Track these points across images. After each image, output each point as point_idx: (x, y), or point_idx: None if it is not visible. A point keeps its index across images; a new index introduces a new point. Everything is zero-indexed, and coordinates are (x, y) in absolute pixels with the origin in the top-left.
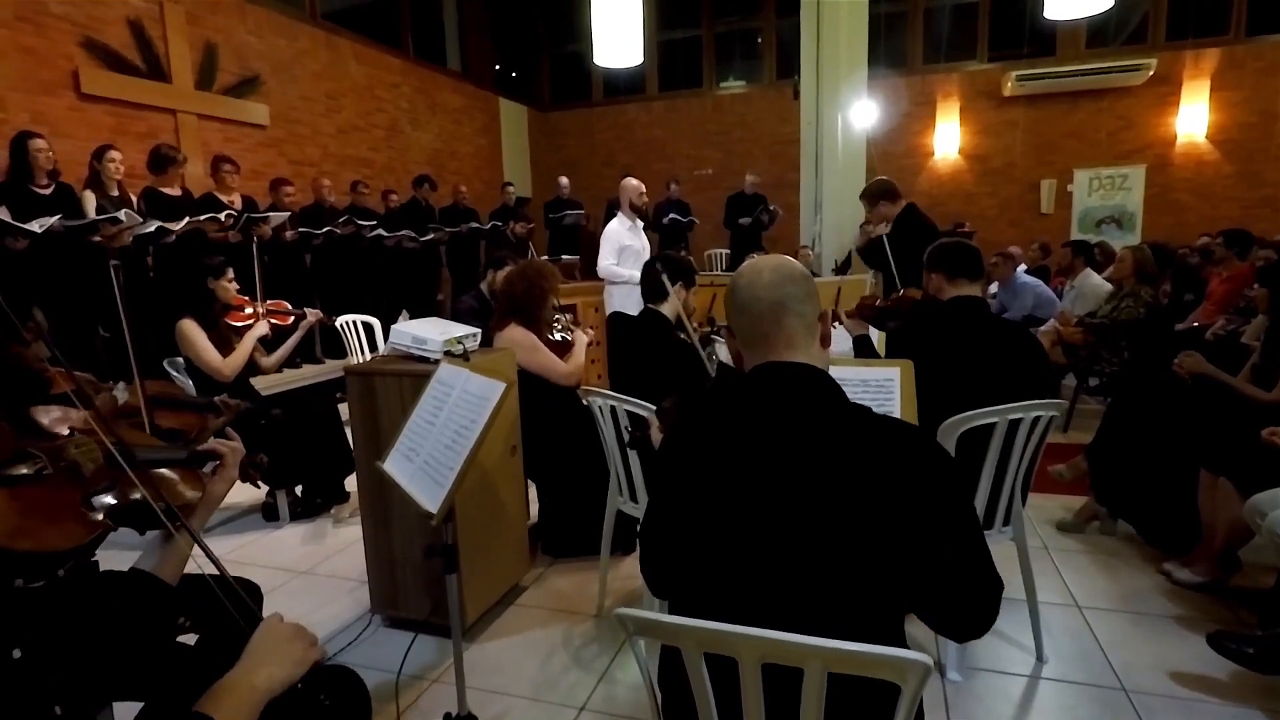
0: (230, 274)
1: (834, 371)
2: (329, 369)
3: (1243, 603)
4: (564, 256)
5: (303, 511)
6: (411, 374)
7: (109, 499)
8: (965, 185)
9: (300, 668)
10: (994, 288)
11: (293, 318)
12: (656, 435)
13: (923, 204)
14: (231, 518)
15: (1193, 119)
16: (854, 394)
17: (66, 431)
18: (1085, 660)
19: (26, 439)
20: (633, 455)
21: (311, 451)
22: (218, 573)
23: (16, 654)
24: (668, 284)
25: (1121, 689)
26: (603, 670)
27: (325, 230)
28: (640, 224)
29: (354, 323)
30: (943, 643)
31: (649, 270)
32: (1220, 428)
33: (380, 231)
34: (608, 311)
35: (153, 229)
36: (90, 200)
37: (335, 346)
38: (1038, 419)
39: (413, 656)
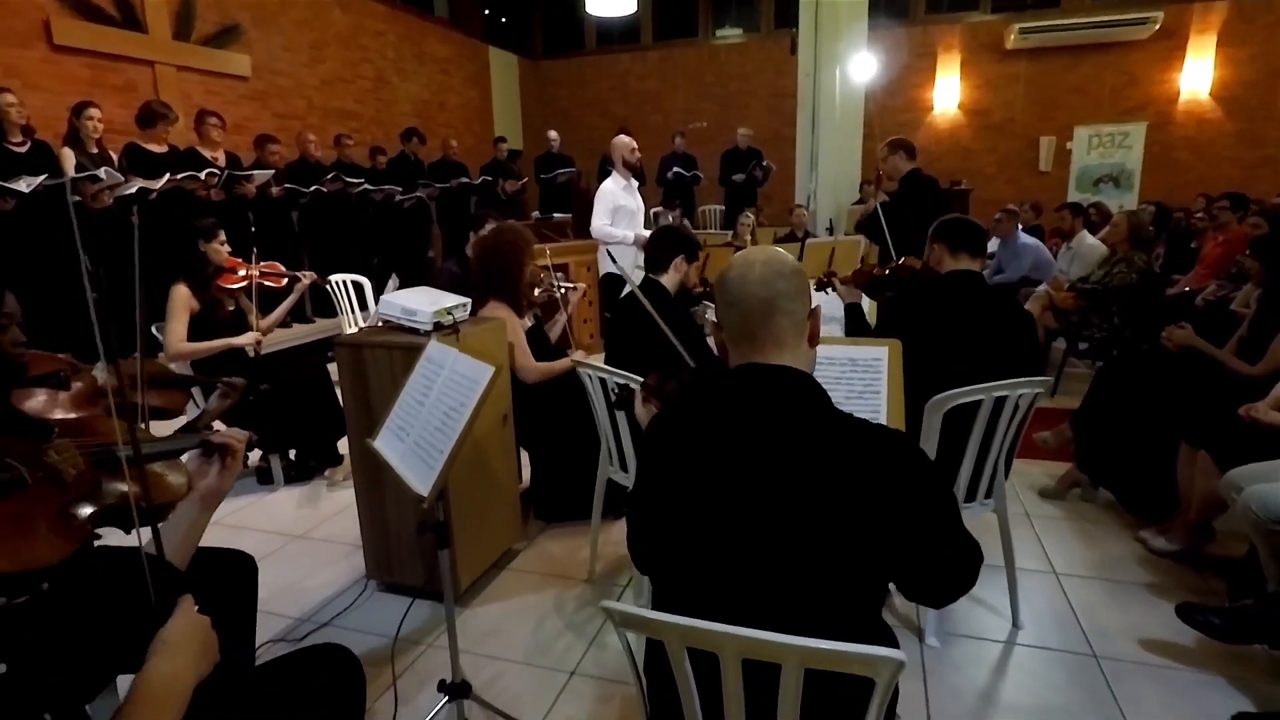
0: (222, 236)
1: (823, 350)
2: (320, 329)
3: (1215, 570)
4: (555, 215)
5: (297, 475)
6: (401, 346)
7: (88, 507)
8: (964, 141)
9: (211, 661)
10: (993, 244)
11: (286, 280)
12: (642, 411)
13: (919, 161)
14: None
15: (1197, 75)
16: (841, 373)
17: (59, 416)
18: (1059, 626)
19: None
20: (622, 424)
21: (303, 415)
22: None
23: (1, 668)
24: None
25: (1092, 655)
26: (593, 635)
27: (313, 189)
28: (635, 182)
29: (344, 283)
30: (922, 610)
31: (652, 240)
32: (1202, 401)
33: (367, 187)
34: (601, 272)
35: (134, 189)
36: (69, 158)
37: (326, 306)
38: (1022, 396)
39: (408, 621)
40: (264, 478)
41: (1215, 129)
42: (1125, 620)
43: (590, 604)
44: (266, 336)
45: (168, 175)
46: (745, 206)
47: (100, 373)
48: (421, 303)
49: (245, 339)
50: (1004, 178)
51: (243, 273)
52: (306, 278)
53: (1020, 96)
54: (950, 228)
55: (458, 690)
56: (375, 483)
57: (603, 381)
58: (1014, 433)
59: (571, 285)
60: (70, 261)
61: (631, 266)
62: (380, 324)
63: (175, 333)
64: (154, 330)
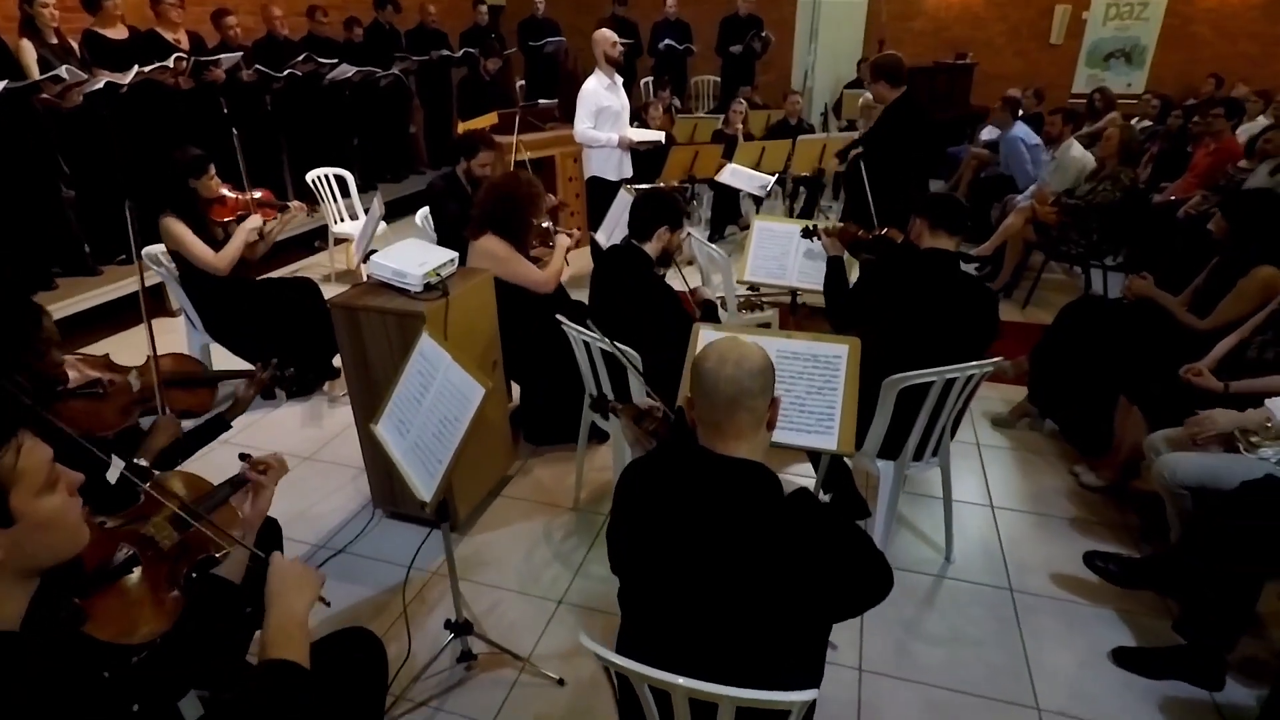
0: (211, 170)
1: (790, 345)
2: (303, 220)
3: (1134, 506)
4: (541, 101)
5: (298, 390)
6: (394, 311)
7: (185, 566)
8: (974, 8)
9: (316, 590)
10: (989, 133)
11: (278, 211)
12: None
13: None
14: (229, 395)
15: None
16: (805, 368)
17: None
18: (986, 561)
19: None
20: (603, 372)
21: (300, 333)
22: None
23: None
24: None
25: (1009, 588)
26: (578, 564)
27: (286, 73)
28: (619, 79)
29: (326, 177)
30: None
31: (636, 208)
32: (1148, 357)
33: (344, 67)
34: (585, 175)
35: (102, 84)
36: (29, 51)
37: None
38: (971, 377)
39: (413, 549)
40: (266, 393)
41: (1240, 0)
42: (1045, 555)
43: (576, 533)
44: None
45: (135, 67)
46: (740, 83)
47: (134, 379)
48: (410, 263)
49: (253, 220)
50: (1012, 49)
51: (235, 197)
52: (296, 207)
53: None
54: (932, 203)
55: (462, 628)
56: (368, 408)
57: (586, 346)
58: (961, 405)
59: (567, 232)
60: (46, 164)
61: (615, 170)
62: (367, 278)
63: (203, 251)
64: (144, 256)
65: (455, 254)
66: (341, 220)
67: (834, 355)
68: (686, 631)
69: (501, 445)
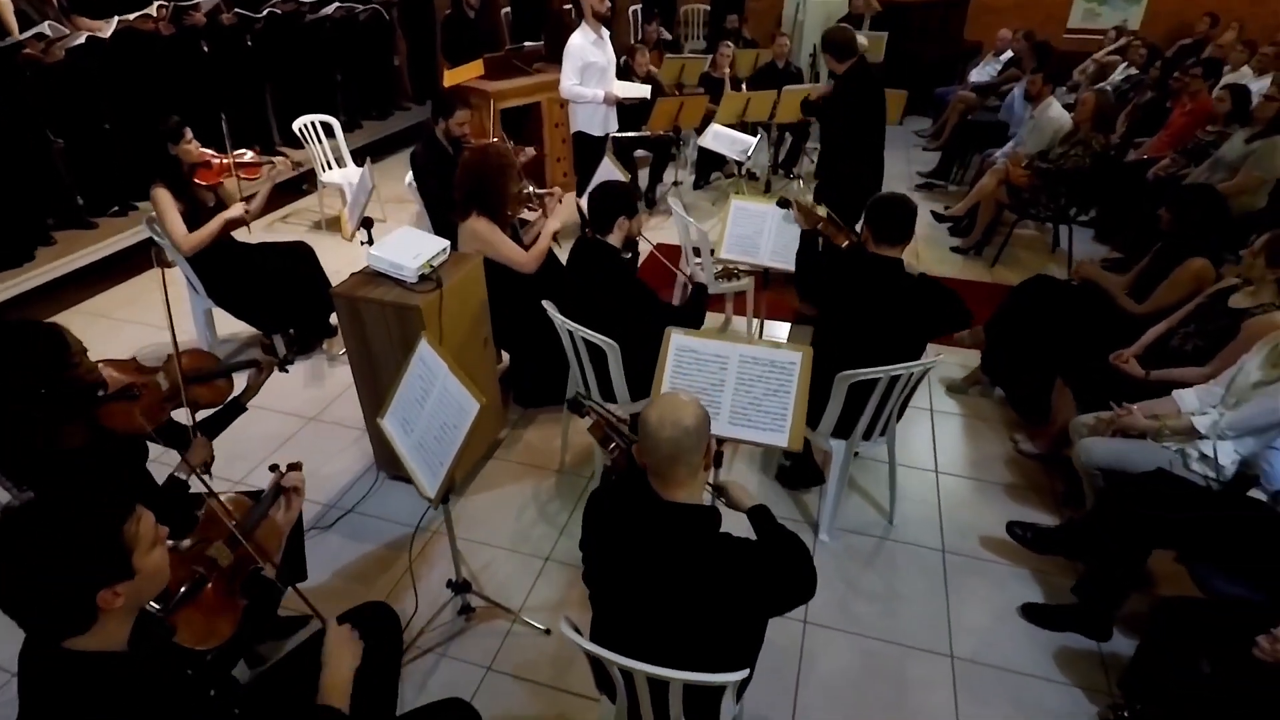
0: (189, 134)
1: (750, 350)
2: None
3: (1062, 474)
4: (526, 44)
5: (299, 349)
6: (393, 304)
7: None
8: None
9: (358, 657)
10: (978, 74)
11: (262, 169)
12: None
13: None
14: (234, 351)
15: None
16: (762, 372)
17: (129, 378)
18: (924, 524)
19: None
20: (584, 353)
21: (297, 295)
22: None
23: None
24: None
25: (941, 550)
26: (562, 525)
27: (265, 13)
28: (605, 34)
29: (313, 125)
30: (821, 508)
31: (592, 204)
32: (1086, 340)
33: (327, 10)
34: (571, 130)
35: (83, 39)
36: (5, 6)
37: (293, 138)
38: (914, 375)
39: (416, 509)
40: (269, 352)
41: None
42: (977, 519)
43: (561, 495)
44: (254, 220)
45: (116, 18)
46: (729, 10)
47: (162, 380)
48: (405, 255)
49: (235, 209)
50: None
51: (218, 162)
52: (281, 163)
53: None
54: (876, 214)
55: (461, 587)
56: (374, 396)
57: (570, 333)
58: (906, 395)
59: (548, 192)
60: (33, 118)
61: (601, 126)
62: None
63: (177, 228)
64: (146, 224)
65: (446, 243)
66: (329, 167)
67: (789, 362)
68: (644, 631)
69: (493, 413)
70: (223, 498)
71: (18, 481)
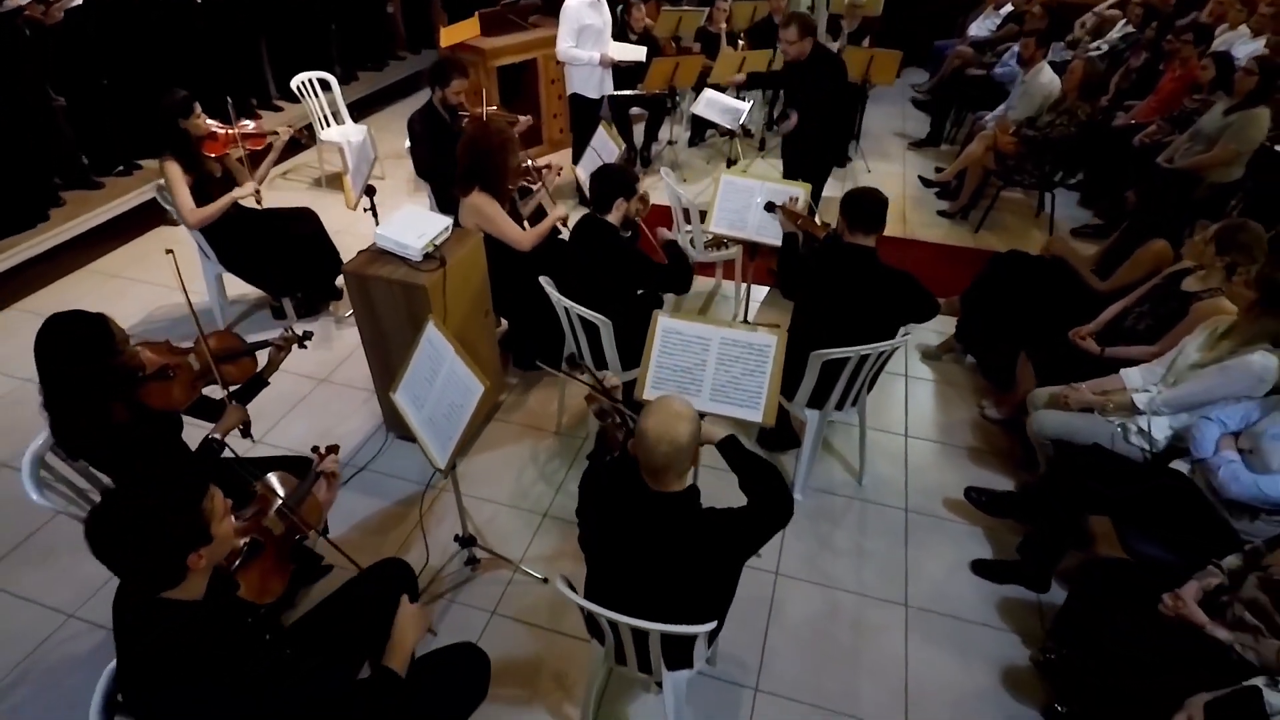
0: (198, 109)
1: (731, 333)
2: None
3: (1021, 439)
4: None
5: (306, 311)
6: (400, 282)
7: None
8: None
9: (424, 629)
10: (977, 28)
11: (267, 140)
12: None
13: None
14: (244, 313)
15: None
16: (739, 354)
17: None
18: (890, 485)
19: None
20: (579, 329)
21: (304, 259)
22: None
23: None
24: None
25: (905, 509)
26: (559, 483)
27: None
28: None
29: (310, 83)
30: (796, 467)
31: (593, 184)
32: (1049, 314)
33: None
34: (568, 92)
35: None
36: None
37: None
38: (882, 354)
39: (423, 467)
40: (278, 314)
41: None
42: (941, 481)
43: (558, 455)
44: (263, 186)
45: None
46: None
47: (194, 360)
48: (410, 234)
49: (244, 189)
50: None
51: (224, 133)
52: (284, 132)
53: None
54: (851, 203)
55: (467, 541)
56: (383, 362)
57: (566, 311)
58: (875, 371)
59: (546, 165)
60: (36, 77)
61: (596, 88)
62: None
63: (185, 203)
64: (156, 193)
65: (449, 221)
66: (328, 124)
67: (765, 344)
68: (631, 589)
69: (494, 377)
70: (270, 479)
71: (72, 454)
